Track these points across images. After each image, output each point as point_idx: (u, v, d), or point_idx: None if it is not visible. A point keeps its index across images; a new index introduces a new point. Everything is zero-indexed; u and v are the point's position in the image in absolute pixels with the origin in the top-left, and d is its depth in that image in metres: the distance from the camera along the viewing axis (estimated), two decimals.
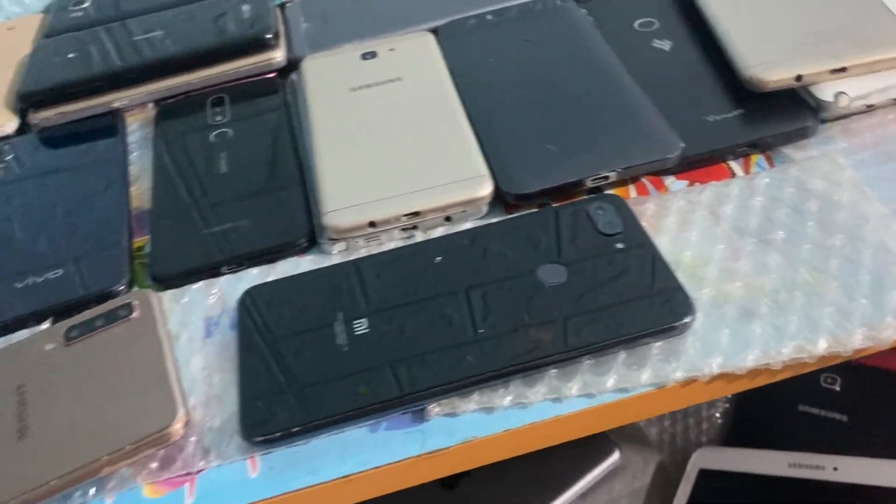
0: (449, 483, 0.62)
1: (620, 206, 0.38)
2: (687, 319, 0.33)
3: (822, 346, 0.32)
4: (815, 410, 0.64)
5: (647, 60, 0.47)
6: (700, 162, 0.41)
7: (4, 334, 0.39)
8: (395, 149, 0.43)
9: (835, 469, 0.51)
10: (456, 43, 0.51)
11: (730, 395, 0.68)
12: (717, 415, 0.67)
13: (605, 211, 0.38)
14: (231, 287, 0.40)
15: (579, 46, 0.48)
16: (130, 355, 0.35)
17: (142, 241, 0.44)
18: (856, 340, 0.32)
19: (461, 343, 0.33)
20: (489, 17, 0.53)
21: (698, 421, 0.67)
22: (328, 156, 0.44)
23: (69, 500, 0.32)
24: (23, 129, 0.53)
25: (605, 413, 0.32)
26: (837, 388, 0.65)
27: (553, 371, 0.33)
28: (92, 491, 0.32)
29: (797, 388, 0.66)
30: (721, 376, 0.32)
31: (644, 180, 0.41)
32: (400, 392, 0.32)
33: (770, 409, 0.66)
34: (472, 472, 0.62)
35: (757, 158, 0.42)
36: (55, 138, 0.51)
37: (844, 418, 0.63)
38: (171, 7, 0.57)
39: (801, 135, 0.41)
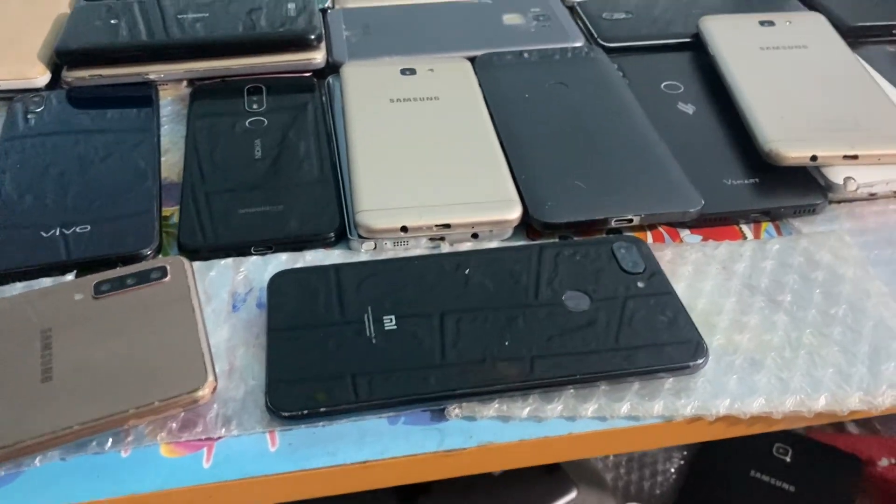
0: (408, 497, 0.62)
1: (643, 248, 0.40)
2: (700, 361, 0.35)
3: (821, 403, 0.34)
4: (765, 478, 0.67)
5: (672, 120, 0.50)
6: (715, 220, 0.44)
7: (26, 280, 0.39)
8: (430, 162, 0.45)
9: None
10: (492, 73, 0.53)
11: (685, 453, 0.71)
12: (672, 470, 0.70)
13: (628, 251, 0.40)
14: (258, 268, 0.40)
15: (610, 96, 0.51)
16: (161, 317, 0.35)
17: (169, 210, 0.44)
18: (852, 402, 0.34)
19: (487, 352, 0.35)
20: (525, 55, 0.55)
21: (653, 473, 0.70)
22: (366, 158, 0.45)
23: (84, 448, 0.32)
24: (52, 84, 0.53)
25: (615, 437, 0.34)
26: (788, 459, 0.68)
27: (571, 390, 0.35)
28: (109, 442, 0.33)
29: (751, 454, 0.69)
30: (725, 418, 0.34)
31: (661, 229, 0.44)
32: (426, 390, 0.33)
33: (723, 471, 0.68)
34: (432, 489, 0.63)
35: (767, 226, 0.44)
36: (88, 99, 0.51)
37: (792, 489, 0.66)
38: None
39: (810, 210, 0.44)
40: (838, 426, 0.72)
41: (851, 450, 0.69)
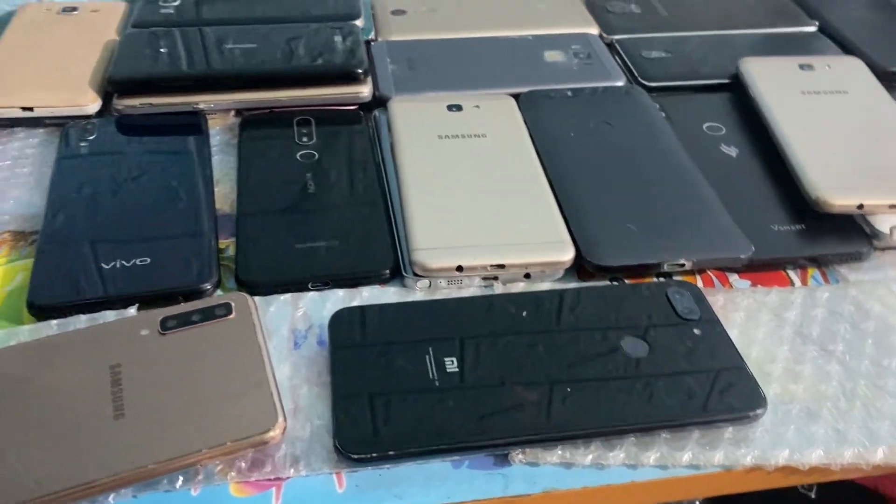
0: None
1: (698, 294, 0.41)
2: (759, 411, 0.35)
3: (879, 456, 0.35)
4: None
5: (716, 163, 0.51)
6: (764, 266, 0.45)
7: (89, 312, 0.39)
8: (482, 201, 0.45)
9: None
10: (536, 111, 0.54)
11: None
12: (697, 502, 0.70)
13: (682, 296, 0.41)
14: (317, 305, 0.41)
15: (655, 137, 0.52)
16: (228, 355, 0.36)
17: (224, 243, 0.45)
18: None
19: (549, 398, 0.35)
20: (568, 93, 0.56)
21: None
22: (419, 196, 0.46)
23: (156, 486, 0.33)
24: (101, 111, 0.54)
25: (676, 485, 0.35)
26: (813, 496, 0.69)
27: (632, 439, 0.35)
28: (180, 481, 0.33)
29: (776, 490, 0.69)
30: (784, 468, 0.35)
31: (710, 273, 0.44)
32: (492, 436, 0.34)
33: None
34: None
35: (813, 272, 0.45)
36: (138, 127, 0.52)
37: None
38: (262, 23, 0.59)
39: (856, 258, 0.45)
40: None
41: (875, 486, 0.70)
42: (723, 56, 0.61)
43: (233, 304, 0.38)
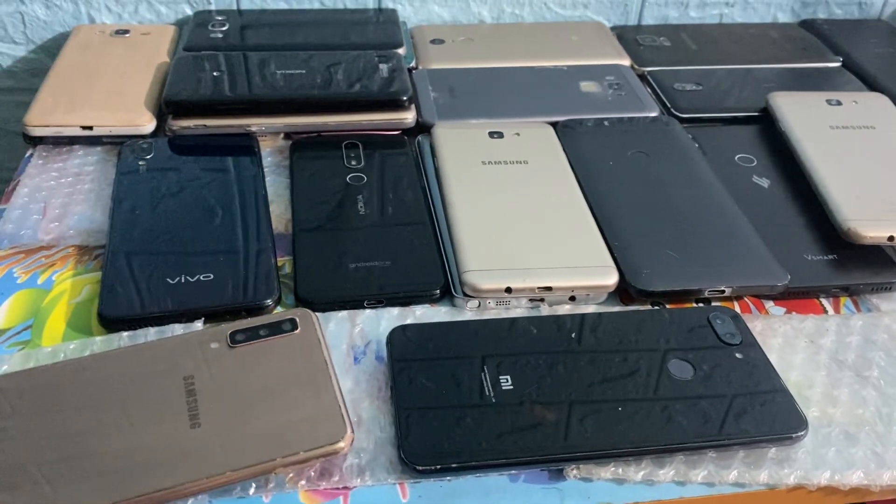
0: None
1: (738, 320, 0.43)
2: (802, 432, 0.37)
3: None
4: None
5: (749, 193, 0.53)
6: (798, 294, 0.47)
7: (158, 325, 0.41)
8: (527, 225, 0.47)
9: None
10: (574, 139, 0.56)
11: None
12: None
13: (724, 322, 0.42)
14: (373, 322, 0.43)
15: (690, 166, 0.54)
16: (296, 367, 0.37)
17: (281, 261, 0.46)
18: None
19: (602, 416, 0.37)
20: (605, 122, 0.58)
21: None
22: (467, 218, 0.48)
23: (230, 492, 0.34)
24: (155, 132, 0.56)
25: (723, 503, 0.36)
26: None
27: (681, 456, 0.37)
28: (252, 488, 0.35)
29: None
30: (825, 488, 0.37)
31: (747, 300, 0.46)
32: (551, 452, 0.36)
33: None
34: None
35: (845, 300, 0.47)
36: (193, 147, 0.54)
37: None
38: (305, 48, 0.62)
39: (887, 288, 0.47)
40: None
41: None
42: (751, 89, 0.63)
43: (298, 320, 0.39)
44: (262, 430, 0.35)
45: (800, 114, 0.57)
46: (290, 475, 0.35)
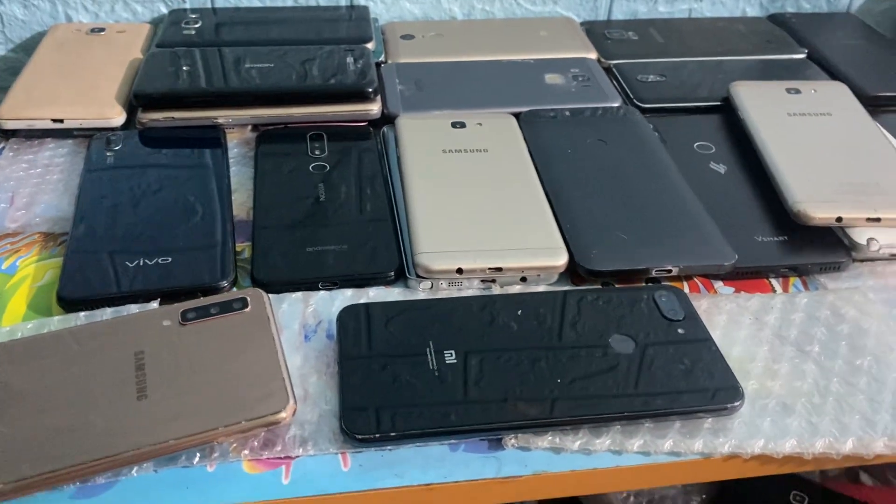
0: None
1: (682, 297, 0.44)
2: (737, 403, 0.38)
3: (848, 446, 0.37)
4: None
5: (705, 179, 0.54)
6: (747, 274, 0.47)
7: (114, 305, 0.42)
8: (482, 209, 0.48)
9: None
10: (535, 129, 0.57)
11: (703, 496, 0.73)
12: None
13: (668, 299, 0.43)
14: (326, 302, 0.44)
15: (647, 154, 0.55)
16: (244, 343, 0.38)
17: (240, 246, 0.48)
18: (877, 446, 0.37)
19: (542, 388, 0.38)
20: (566, 112, 0.59)
21: None
22: (422, 204, 0.49)
23: (175, 462, 0.35)
24: (126, 125, 0.57)
25: (659, 471, 0.37)
26: None
27: (618, 427, 0.38)
28: (197, 457, 0.36)
29: (768, 500, 0.71)
30: (759, 457, 0.37)
31: (696, 280, 0.47)
32: (488, 421, 0.36)
33: None
34: None
35: (794, 280, 0.48)
36: (161, 139, 0.55)
37: None
38: (278, 45, 0.63)
39: (835, 268, 0.48)
40: (853, 477, 0.74)
41: (866, 500, 0.71)
42: (715, 80, 0.64)
43: (248, 299, 0.40)
44: (206, 401, 0.36)
45: (759, 101, 0.58)
46: (234, 445, 0.36)
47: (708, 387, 0.38)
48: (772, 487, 0.71)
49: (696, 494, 0.72)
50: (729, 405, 0.38)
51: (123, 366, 0.37)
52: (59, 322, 0.41)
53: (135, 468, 0.35)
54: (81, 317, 0.42)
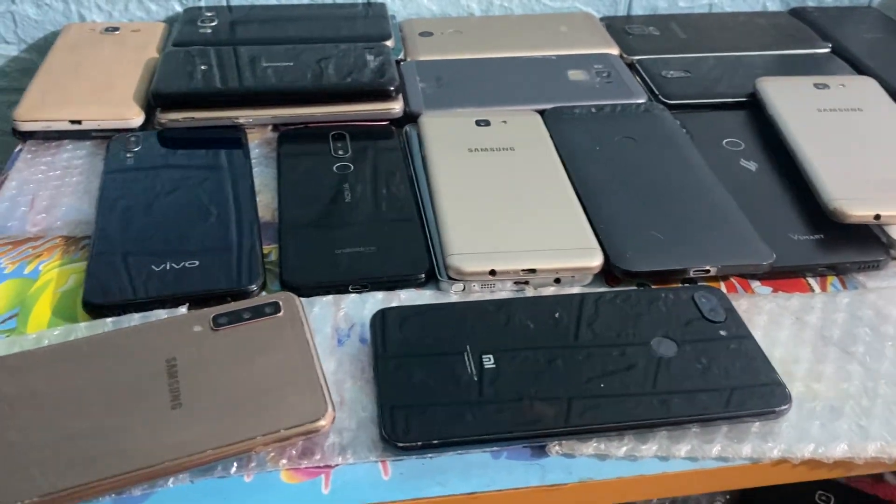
0: None
1: (722, 298, 0.43)
2: (785, 406, 0.37)
3: None
4: None
5: (736, 176, 0.53)
6: (784, 273, 0.47)
7: (142, 311, 0.41)
8: (512, 209, 0.47)
9: None
10: (562, 126, 0.56)
11: (727, 497, 0.73)
12: None
13: (708, 300, 0.42)
14: (357, 306, 0.43)
15: (677, 150, 0.54)
16: (278, 349, 0.37)
17: (267, 248, 0.47)
18: None
19: (584, 393, 0.37)
20: (592, 109, 0.58)
21: None
22: (452, 205, 0.48)
23: (211, 472, 0.34)
24: (144, 125, 0.56)
25: (706, 477, 0.36)
26: None
27: (664, 432, 0.37)
28: (234, 467, 0.35)
29: (794, 499, 0.70)
30: (809, 461, 0.36)
31: (733, 280, 0.46)
32: (533, 428, 0.36)
33: None
34: None
35: (832, 279, 0.47)
36: (181, 140, 0.54)
37: None
38: (295, 42, 0.62)
39: (874, 267, 0.47)
40: (877, 476, 0.73)
41: (891, 498, 0.71)
42: (739, 76, 0.63)
43: (281, 303, 0.39)
44: (242, 409, 0.35)
45: (787, 97, 0.57)
46: (272, 454, 0.35)
47: (755, 390, 0.37)
48: (797, 487, 0.70)
49: (720, 494, 0.71)
50: (777, 408, 0.37)
51: (155, 373, 0.36)
52: (86, 328, 0.40)
53: (171, 479, 0.34)
54: (109, 323, 0.41)
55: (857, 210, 0.47)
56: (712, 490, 0.37)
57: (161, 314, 0.41)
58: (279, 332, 0.38)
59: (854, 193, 0.48)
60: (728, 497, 0.72)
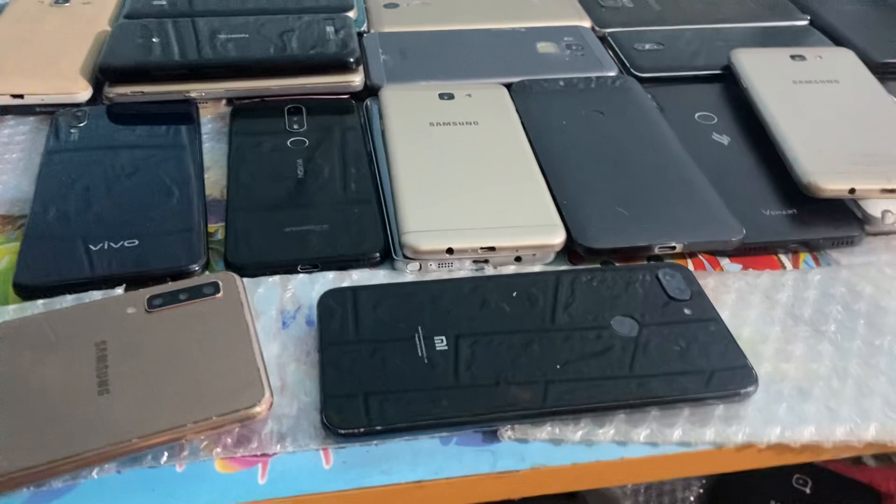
0: None
1: (688, 275, 0.41)
2: (751, 388, 0.35)
3: (871, 433, 0.35)
4: None
5: (708, 150, 0.51)
6: (755, 250, 0.45)
7: (75, 292, 0.39)
8: (472, 185, 0.45)
9: None
10: (528, 100, 0.54)
11: (704, 482, 0.71)
12: (692, 498, 0.70)
13: (673, 277, 0.40)
14: (305, 286, 0.41)
15: (646, 124, 0.52)
16: (216, 332, 0.35)
17: (213, 227, 0.44)
18: None
19: (538, 374, 0.35)
20: (560, 82, 0.56)
21: (673, 501, 0.70)
22: (409, 180, 0.45)
23: (140, 462, 0.32)
24: (92, 100, 0.53)
25: (667, 463, 0.34)
26: (808, 491, 0.68)
27: (622, 415, 0.35)
28: (164, 456, 0.33)
29: (771, 485, 0.69)
30: (775, 446, 0.35)
31: (702, 257, 0.44)
32: (481, 412, 0.34)
33: (743, 501, 0.68)
34: None
35: (805, 256, 0.45)
36: (129, 115, 0.52)
37: None
38: (254, 14, 0.59)
39: (848, 242, 0.45)
40: (856, 459, 0.72)
41: (870, 482, 0.69)
42: (715, 48, 0.61)
43: (220, 283, 0.37)
44: (173, 395, 0.33)
45: (762, 69, 0.55)
46: (205, 442, 0.33)
47: (719, 371, 0.36)
48: (773, 472, 0.68)
49: (696, 479, 0.69)
50: (742, 390, 0.35)
51: (83, 358, 0.34)
52: (14, 311, 0.38)
53: (95, 469, 0.32)
54: (39, 305, 0.38)
55: (831, 184, 0.45)
56: (672, 477, 0.36)
57: (95, 296, 0.39)
58: (217, 314, 0.36)
59: (828, 167, 0.46)
60: (704, 482, 0.70)
